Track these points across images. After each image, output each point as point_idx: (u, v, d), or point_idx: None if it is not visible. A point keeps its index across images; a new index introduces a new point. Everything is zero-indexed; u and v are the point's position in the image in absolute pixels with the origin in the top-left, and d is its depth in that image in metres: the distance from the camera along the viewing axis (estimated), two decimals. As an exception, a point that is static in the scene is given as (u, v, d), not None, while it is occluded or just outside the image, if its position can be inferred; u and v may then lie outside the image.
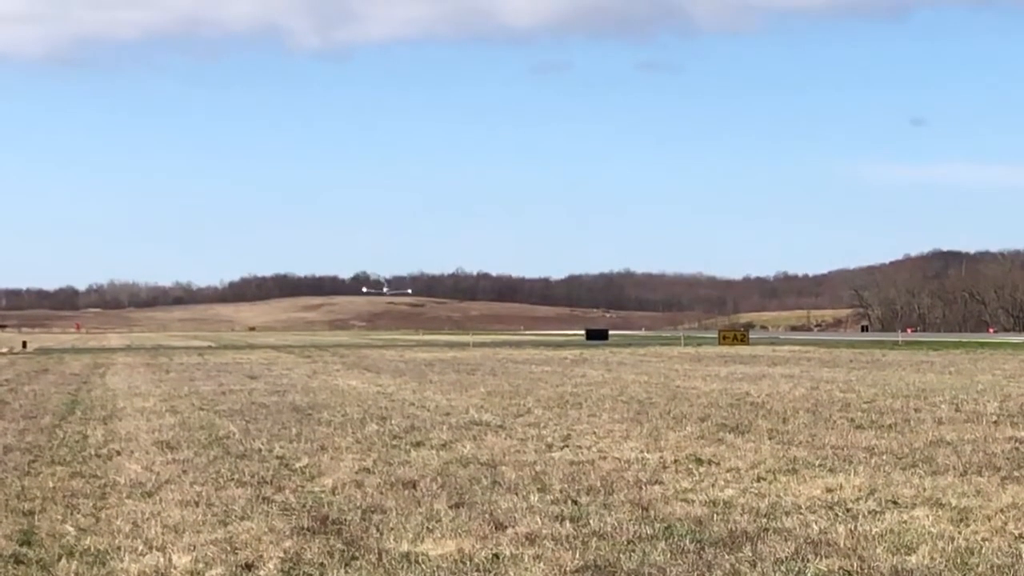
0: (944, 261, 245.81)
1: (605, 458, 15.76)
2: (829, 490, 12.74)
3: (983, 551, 9.64)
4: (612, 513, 11.50)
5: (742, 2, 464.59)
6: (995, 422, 20.19)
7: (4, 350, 78.88)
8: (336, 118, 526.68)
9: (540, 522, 11.04)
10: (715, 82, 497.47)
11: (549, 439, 18.23)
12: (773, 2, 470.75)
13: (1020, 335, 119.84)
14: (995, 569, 9.04)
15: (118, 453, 17.06)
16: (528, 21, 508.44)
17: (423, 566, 9.41)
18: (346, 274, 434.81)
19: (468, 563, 9.48)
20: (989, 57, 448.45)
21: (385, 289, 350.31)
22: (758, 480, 13.64)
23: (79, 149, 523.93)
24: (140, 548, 10.18)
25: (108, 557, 9.89)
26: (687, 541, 10.14)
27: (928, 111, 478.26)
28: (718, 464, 15.04)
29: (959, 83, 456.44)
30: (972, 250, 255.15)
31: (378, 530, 10.81)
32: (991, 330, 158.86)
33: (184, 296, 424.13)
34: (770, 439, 17.81)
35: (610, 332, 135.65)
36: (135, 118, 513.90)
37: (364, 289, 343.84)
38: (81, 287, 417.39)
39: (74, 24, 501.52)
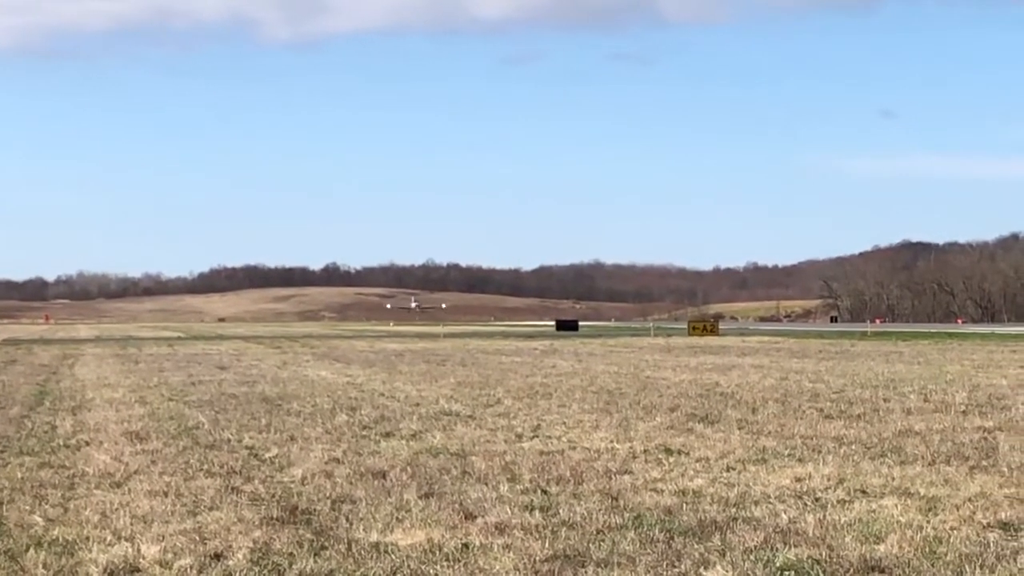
0: (913, 252, 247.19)
1: (575, 448, 15.77)
2: (798, 479, 12.76)
3: (951, 540, 9.67)
4: (582, 503, 11.49)
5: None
6: (963, 412, 20.28)
7: (-29, 341, 78.37)
8: (307, 109, 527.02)
9: (510, 512, 11.03)
10: (686, 73, 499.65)
11: (519, 429, 18.22)
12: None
13: (988, 326, 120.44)
14: (963, 558, 9.07)
15: (87, 443, 16.97)
16: (499, 12, 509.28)
17: (392, 556, 9.39)
18: (316, 265, 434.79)
19: (437, 553, 9.46)
20: (958, 50, 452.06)
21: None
22: (727, 470, 13.65)
23: (48, 140, 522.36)
24: (109, 538, 10.13)
25: (76, 547, 9.83)
26: (656, 531, 10.15)
27: (897, 104, 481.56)
28: (687, 454, 15.06)
29: (928, 76, 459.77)
30: (941, 241, 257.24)
31: (347, 520, 10.78)
32: (959, 321, 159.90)
33: (154, 287, 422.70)
34: (739, 429, 17.84)
35: (580, 323, 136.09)
36: (105, 109, 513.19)
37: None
38: (50, 278, 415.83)
39: (45, 15, 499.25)
